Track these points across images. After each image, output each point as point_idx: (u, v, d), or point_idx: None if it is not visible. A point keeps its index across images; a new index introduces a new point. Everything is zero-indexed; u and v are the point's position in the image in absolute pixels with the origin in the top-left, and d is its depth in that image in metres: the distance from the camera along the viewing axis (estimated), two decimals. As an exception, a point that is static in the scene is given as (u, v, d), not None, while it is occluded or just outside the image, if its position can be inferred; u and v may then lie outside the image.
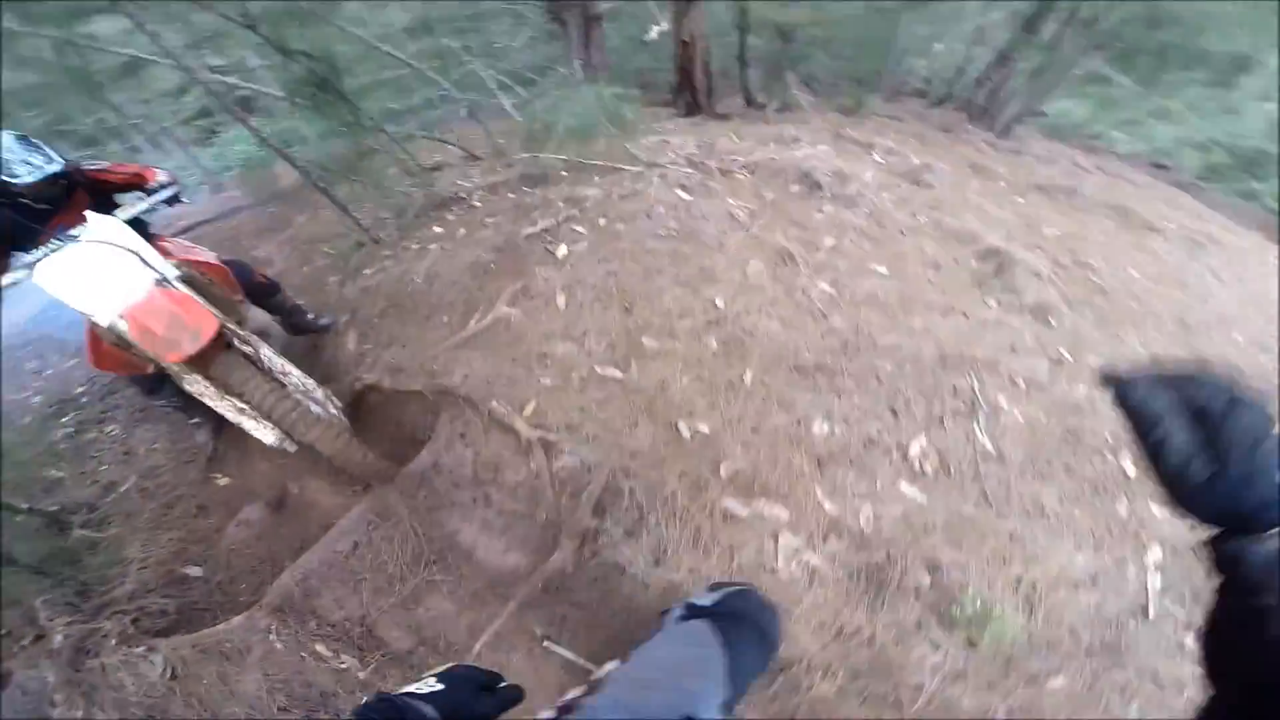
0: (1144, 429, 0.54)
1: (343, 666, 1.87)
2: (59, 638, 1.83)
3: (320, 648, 1.91)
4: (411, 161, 3.94)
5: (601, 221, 3.04)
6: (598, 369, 2.46)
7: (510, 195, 3.61)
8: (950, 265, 2.95)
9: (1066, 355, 2.55)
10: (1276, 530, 0.49)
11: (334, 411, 2.28)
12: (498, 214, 3.42)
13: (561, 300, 2.65)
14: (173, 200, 2.25)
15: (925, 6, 5.01)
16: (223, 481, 2.66)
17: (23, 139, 2.08)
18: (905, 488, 2.08)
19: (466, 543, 2.13)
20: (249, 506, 2.41)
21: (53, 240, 1.91)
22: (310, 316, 3.16)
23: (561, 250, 2.90)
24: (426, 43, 4.51)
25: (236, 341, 2.09)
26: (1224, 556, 0.53)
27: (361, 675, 1.86)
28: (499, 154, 3.93)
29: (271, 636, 1.91)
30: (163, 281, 1.95)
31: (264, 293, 2.90)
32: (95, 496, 2.64)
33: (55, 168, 2.09)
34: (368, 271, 3.50)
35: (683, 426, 2.29)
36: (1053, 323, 2.72)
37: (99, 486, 2.69)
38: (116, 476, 2.71)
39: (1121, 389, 0.55)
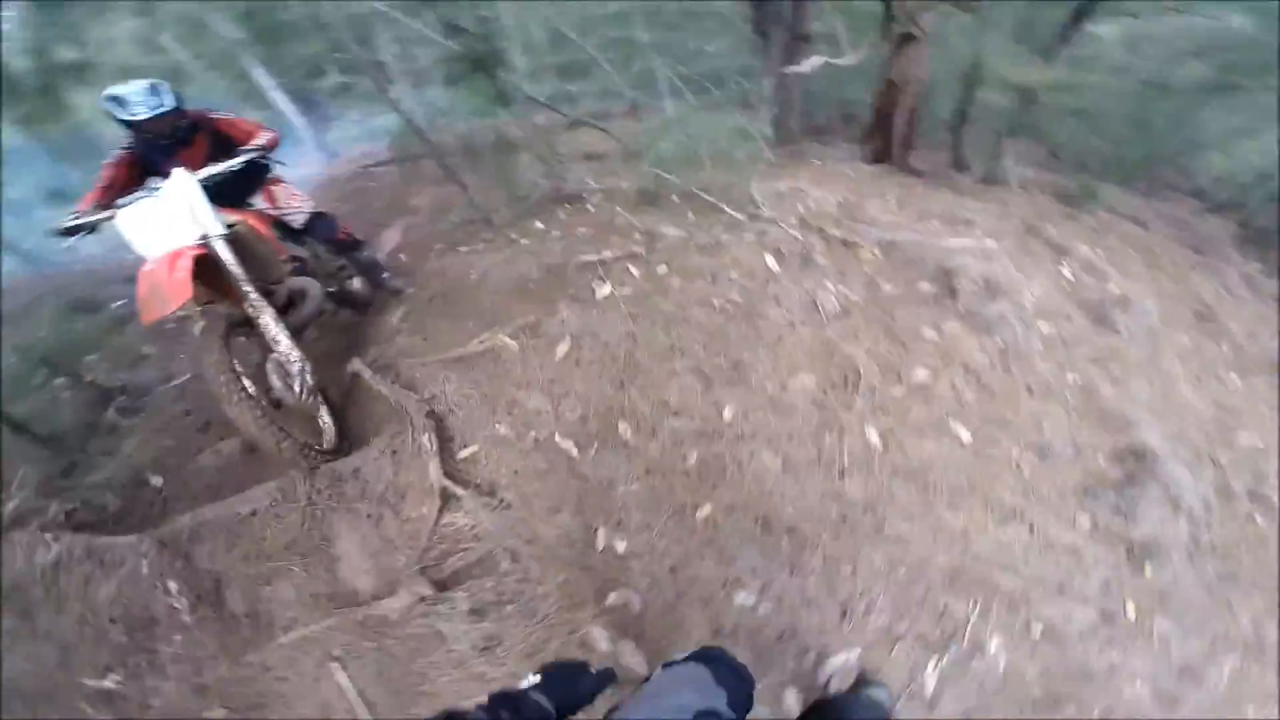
0: None
1: (177, 607, 1.95)
2: (11, 504, 2.05)
3: (172, 584, 1.99)
4: (549, 151, 3.90)
5: (661, 270, 2.73)
6: (556, 438, 2.24)
7: (616, 208, 3.40)
8: (1063, 456, 2.22)
9: (1129, 613, 1.89)
10: None
11: (296, 388, 2.28)
12: (585, 227, 3.23)
13: (562, 349, 2.44)
14: (258, 162, 2.44)
15: (1239, 94, 3.73)
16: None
17: (151, 85, 2.35)
18: (791, 698, 1.57)
19: (339, 550, 2.09)
20: (230, 440, 2.55)
21: (142, 188, 2.18)
22: (385, 275, 3.34)
23: (602, 290, 2.66)
24: (617, 30, 4.38)
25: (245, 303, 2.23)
26: None
27: (186, 619, 1.94)
28: (630, 159, 3.71)
29: (144, 561, 2.02)
30: (205, 239, 2.13)
31: (345, 246, 3.12)
32: (150, 383, 2.99)
33: (165, 108, 2.33)
34: (463, 249, 3.54)
35: (601, 535, 2.04)
36: (1148, 572, 1.98)
37: (161, 374, 3.06)
38: (178, 370, 3.04)
39: None
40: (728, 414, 2.27)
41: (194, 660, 1.86)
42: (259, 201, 2.79)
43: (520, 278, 2.84)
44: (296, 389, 2.28)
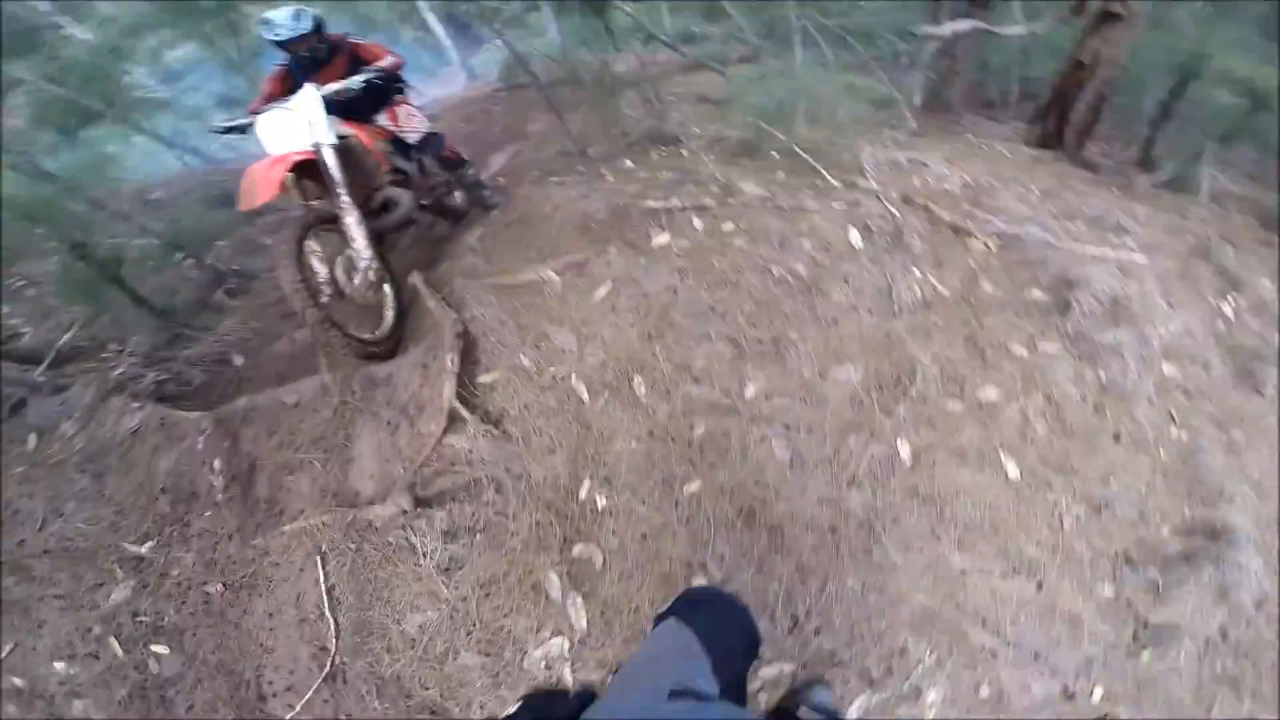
0: None
1: (215, 485, 2.22)
2: (119, 370, 2.41)
3: (217, 462, 2.26)
4: (654, 90, 3.78)
5: (727, 226, 2.58)
6: (572, 379, 2.24)
7: (706, 156, 3.23)
8: (1121, 516, 1.96)
9: (1094, 697, 1.69)
10: None
11: (356, 282, 2.51)
12: (669, 171, 3.11)
13: (601, 292, 2.40)
14: (385, 84, 2.81)
15: None
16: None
17: (296, 10, 2.71)
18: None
19: (356, 451, 2.24)
20: (304, 330, 2.79)
21: (280, 99, 2.56)
22: (486, 193, 3.65)
23: (659, 239, 2.58)
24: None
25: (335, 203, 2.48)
26: None
27: (218, 498, 2.21)
28: (730, 107, 3.52)
29: (201, 438, 2.30)
30: (316, 145, 2.44)
31: (450, 164, 3.44)
32: (259, 271, 3.34)
33: (303, 30, 2.70)
34: (553, 180, 3.56)
35: (586, 486, 2.06)
36: (1145, 658, 1.75)
37: (270, 263, 3.41)
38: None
39: None
40: (750, 391, 2.13)
41: (214, 536, 2.11)
42: (383, 118, 3.07)
43: (586, 215, 2.79)
44: (357, 283, 2.50)
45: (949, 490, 1.92)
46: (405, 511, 1.99)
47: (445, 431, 2.16)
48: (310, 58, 2.80)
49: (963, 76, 4.35)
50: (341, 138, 2.57)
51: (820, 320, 2.32)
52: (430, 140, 3.24)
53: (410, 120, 3.15)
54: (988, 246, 2.68)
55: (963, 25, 3.28)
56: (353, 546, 2.01)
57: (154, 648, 2.00)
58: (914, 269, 2.52)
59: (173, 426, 2.35)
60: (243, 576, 2.05)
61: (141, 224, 3.50)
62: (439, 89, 7.58)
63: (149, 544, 2.16)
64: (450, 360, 2.25)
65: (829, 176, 2.92)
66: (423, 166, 3.28)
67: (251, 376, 2.78)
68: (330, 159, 2.46)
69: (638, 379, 2.20)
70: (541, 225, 2.93)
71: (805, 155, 3.03)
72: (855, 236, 2.59)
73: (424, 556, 1.93)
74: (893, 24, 4.50)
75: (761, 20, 4.06)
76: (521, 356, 2.31)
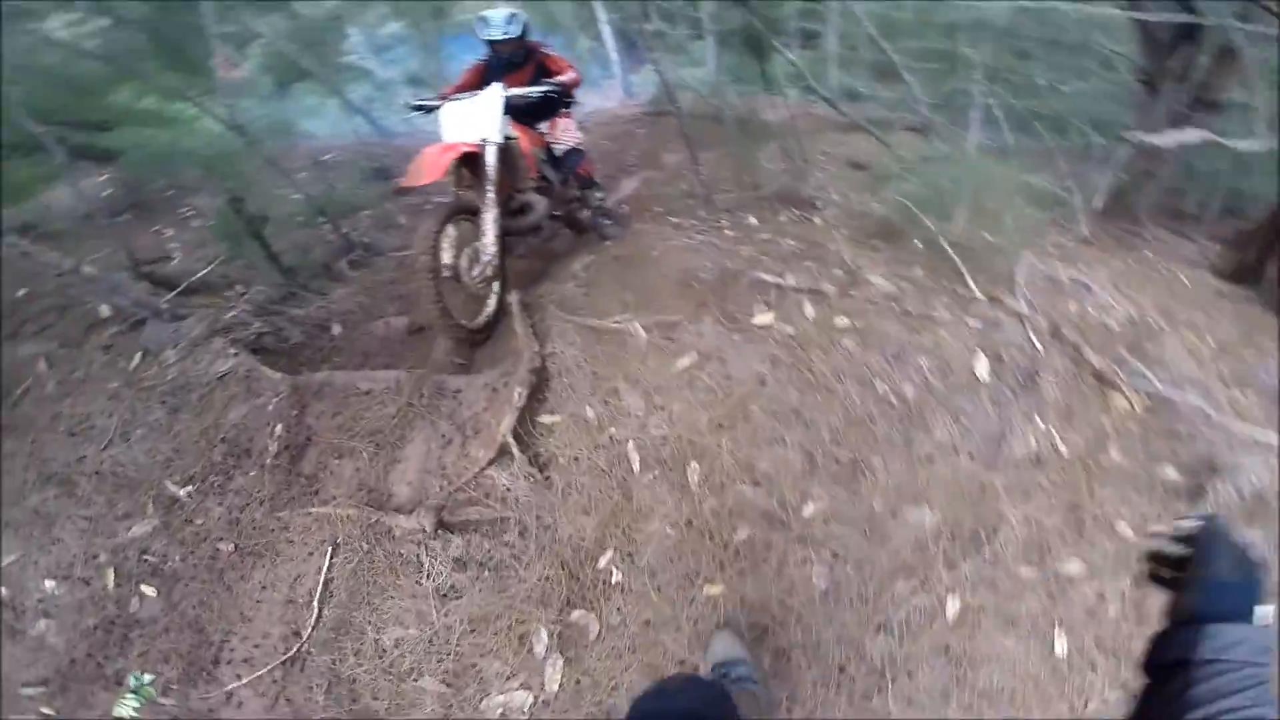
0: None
1: (269, 449, 2.32)
2: (232, 313, 2.61)
3: (279, 427, 2.36)
4: (797, 146, 3.61)
5: (841, 321, 2.42)
6: (629, 446, 2.18)
7: (839, 231, 3.05)
8: None
9: None
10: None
11: (474, 273, 2.61)
12: (794, 240, 2.95)
13: (683, 362, 2.33)
14: (556, 96, 2.99)
15: None
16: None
17: (510, 14, 3.04)
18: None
19: (404, 454, 2.28)
20: (401, 318, 2.91)
21: (471, 92, 2.85)
22: (607, 222, 3.69)
23: (760, 318, 2.45)
24: (939, 41, 3.82)
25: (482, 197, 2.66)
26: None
27: (266, 461, 2.30)
28: (881, 181, 3.28)
29: (274, 400, 2.44)
30: (484, 140, 2.65)
31: (582, 182, 3.58)
32: (386, 248, 3.54)
33: (512, 33, 3.02)
34: (672, 220, 3.51)
35: (606, 556, 1.99)
36: None
37: (399, 243, 3.61)
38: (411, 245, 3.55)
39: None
40: (809, 509, 1.96)
41: (248, 497, 2.21)
42: (544, 125, 3.33)
43: (691, 271, 2.71)
44: (475, 273, 2.62)
45: (982, 655, 1.75)
46: (424, 530, 2.00)
47: (491, 462, 2.15)
48: (508, 59, 3.10)
49: (1159, 181, 3.79)
50: (507, 138, 2.80)
51: (913, 455, 2.09)
52: (571, 155, 3.40)
53: (565, 134, 3.36)
54: (1132, 406, 2.32)
55: (1190, 137, 2.84)
56: (365, 547, 2.05)
57: (144, 588, 2.11)
58: (1038, 419, 2.23)
59: (255, 381, 2.50)
60: (256, 544, 2.14)
61: (302, 183, 3.82)
62: (598, 100, 7.82)
63: (189, 488, 2.28)
64: (518, 394, 2.25)
65: (972, 284, 2.65)
66: (566, 178, 3.47)
67: (342, 348, 2.92)
68: (491, 156, 2.65)
69: (694, 465, 2.09)
70: (646, 269, 2.87)
71: (952, 253, 2.74)
72: (983, 366, 2.32)
73: (427, 576, 1.96)
74: (1092, 114, 4.03)
75: (940, 90, 3.76)
76: (588, 407, 2.26)
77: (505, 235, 2.85)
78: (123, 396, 2.54)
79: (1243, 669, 0.60)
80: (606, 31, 8.09)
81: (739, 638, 1.76)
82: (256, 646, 1.97)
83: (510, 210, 2.99)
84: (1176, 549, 0.74)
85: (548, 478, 2.14)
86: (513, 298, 2.75)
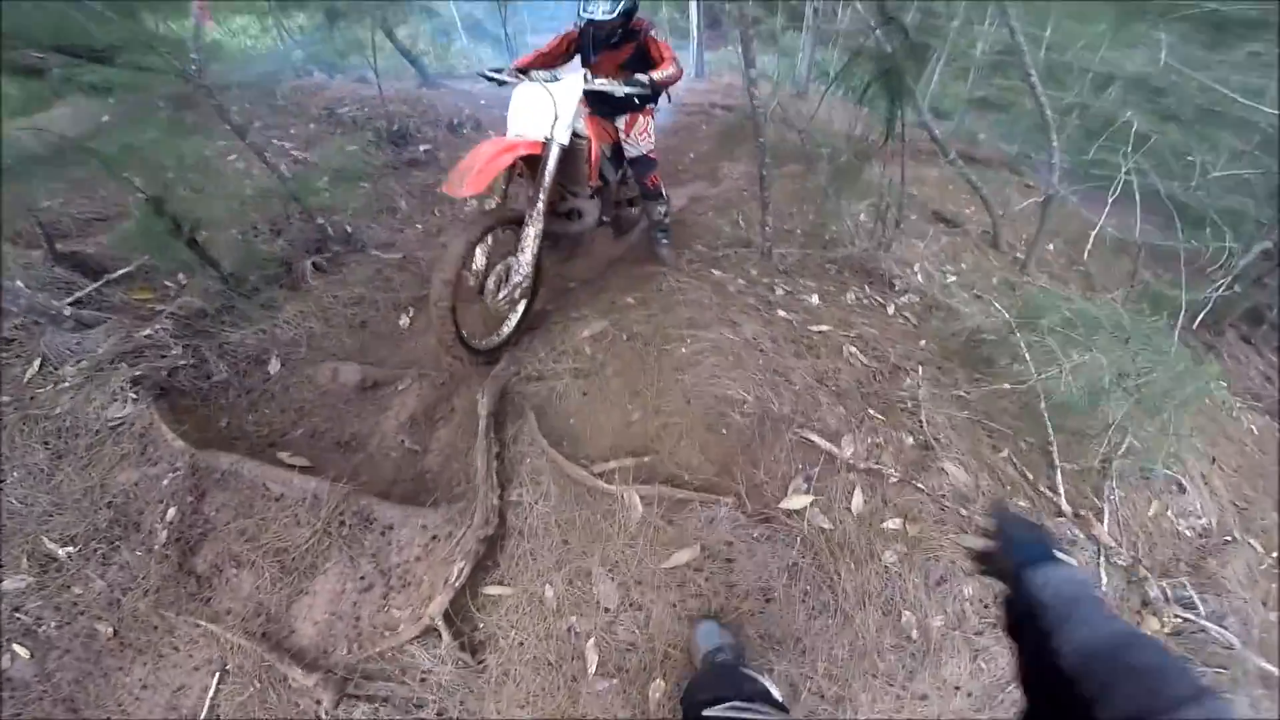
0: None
1: (155, 527, 2.00)
2: (148, 330, 2.12)
3: (171, 512, 2.03)
4: (889, 199, 2.98)
5: (893, 525, 2.03)
6: (588, 644, 1.79)
7: (926, 343, 2.58)
8: None
9: None
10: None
11: (500, 293, 2.40)
12: (859, 350, 2.46)
13: (681, 557, 1.95)
14: (639, 97, 2.65)
15: None
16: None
17: None
18: None
19: (313, 586, 1.92)
20: (343, 366, 2.58)
21: (549, 71, 2.59)
22: (664, 241, 3.35)
23: (794, 500, 2.04)
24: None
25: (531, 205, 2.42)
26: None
27: (154, 547, 1.98)
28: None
29: (169, 475, 2.07)
30: (548, 140, 2.38)
31: (645, 193, 3.21)
32: (369, 243, 3.10)
33: (613, 16, 2.61)
34: (715, 272, 2.95)
35: None
36: None
37: (383, 240, 3.12)
38: (403, 249, 3.19)
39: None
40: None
41: (132, 580, 1.96)
42: (621, 121, 3.02)
43: (724, 399, 2.25)
44: (502, 295, 2.41)
45: None
46: (320, 703, 1.69)
47: (413, 639, 1.76)
48: (605, 36, 2.77)
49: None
50: (576, 136, 2.58)
51: (909, 692, 1.67)
52: (642, 162, 3.11)
53: (640, 137, 3.06)
54: (1160, 626, 1.96)
55: None
56: (258, 685, 1.76)
57: (16, 646, 1.88)
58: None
59: (151, 443, 2.14)
60: (137, 638, 1.88)
61: (297, 138, 3.23)
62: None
63: (68, 549, 2.00)
64: (458, 570, 1.85)
65: (1062, 494, 2.08)
66: (625, 178, 3.27)
67: (275, 396, 2.50)
68: (553, 161, 2.41)
69: (659, 682, 1.71)
70: (669, 372, 2.33)
71: (1051, 437, 2.17)
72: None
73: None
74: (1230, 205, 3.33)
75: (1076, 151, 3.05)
76: (548, 586, 1.87)
77: (553, 239, 2.77)
78: (4, 420, 2.18)
79: (1081, 596, 0.73)
80: (694, 6, 7.28)
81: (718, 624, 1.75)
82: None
83: (559, 213, 2.83)
84: (987, 542, 0.91)
85: (481, 661, 1.77)
86: (483, 405, 2.25)
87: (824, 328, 2.66)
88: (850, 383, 2.36)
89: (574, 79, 2.48)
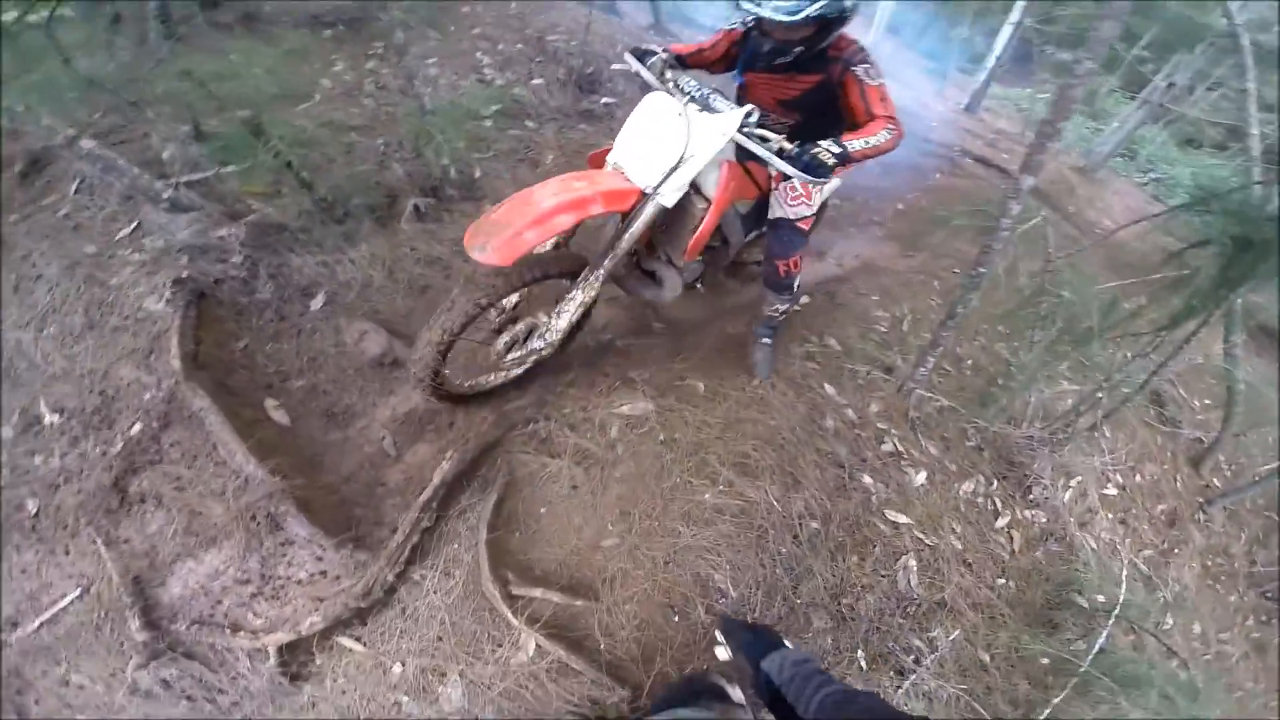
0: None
1: (117, 437, 2.03)
2: (225, 231, 2.18)
3: (134, 429, 2.04)
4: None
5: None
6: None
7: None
8: None
9: None
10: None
11: (508, 355, 2.04)
12: (940, 564, 2.02)
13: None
14: (810, 166, 1.73)
15: None
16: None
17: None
18: None
19: (205, 558, 1.87)
20: (380, 337, 2.38)
21: (701, 84, 1.91)
22: (765, 340, 2.53)
23: None
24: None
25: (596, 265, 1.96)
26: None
27: (110, 450, 2.02)
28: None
29: (149, 395, 2.08)
30: (648, 195, 1.83)
31: (770, 279, 2.31)
32: (496, 194, 2.97)
33: (795, 18, 1.71)
34: (873, 372, 2.59)
35: None
36: None
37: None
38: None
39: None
40: None
41: (82, 470, 2.00)
42: (776, 174, 2.16)
43: (694, 593, 1.85)
44: (512, 355, 2.03)
45: None
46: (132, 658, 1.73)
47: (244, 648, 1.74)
48: (781, 48, 1.86)
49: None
50: (695, 194, 1.97)
51: None
52: (785, 231, 2.19)
53: (795, 198, 2.15)
54: None
55: None
56: (100, 616, 1.78)
57: None
58: None
59: (158, 351, 2.16)
60: (48, 527, 1.91)
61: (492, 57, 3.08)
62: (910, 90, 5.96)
63: (54, 418, 2.08)
64: (311, 623, 1.73)
65: None
66: (746, 245, 2.51)
67: (297, 335, 2.39)
68: (642, 224, 1.87)
69: None
70: (679, 499, 2.02)
71: None
72: None
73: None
74: None
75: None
76: (399, 664, 1.74)
77: (622, 286, 2.23)
78: (77, 272, 2.33)
79: (803, 673, 0.88)
80: (1005, 33, 6.05)
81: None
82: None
83: (633, 265, 2.24)
84: (728, 653, 1.06)
85: (298, 687, 1.71)
86: (441, 470, 1.99)
87: (901, 519, 2.16)
88: (869, 609, 1.91)
89: (728, 118, 1.77)
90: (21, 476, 1.99)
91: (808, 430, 2.28)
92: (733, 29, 2.08)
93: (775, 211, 2.21)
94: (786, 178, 1.88)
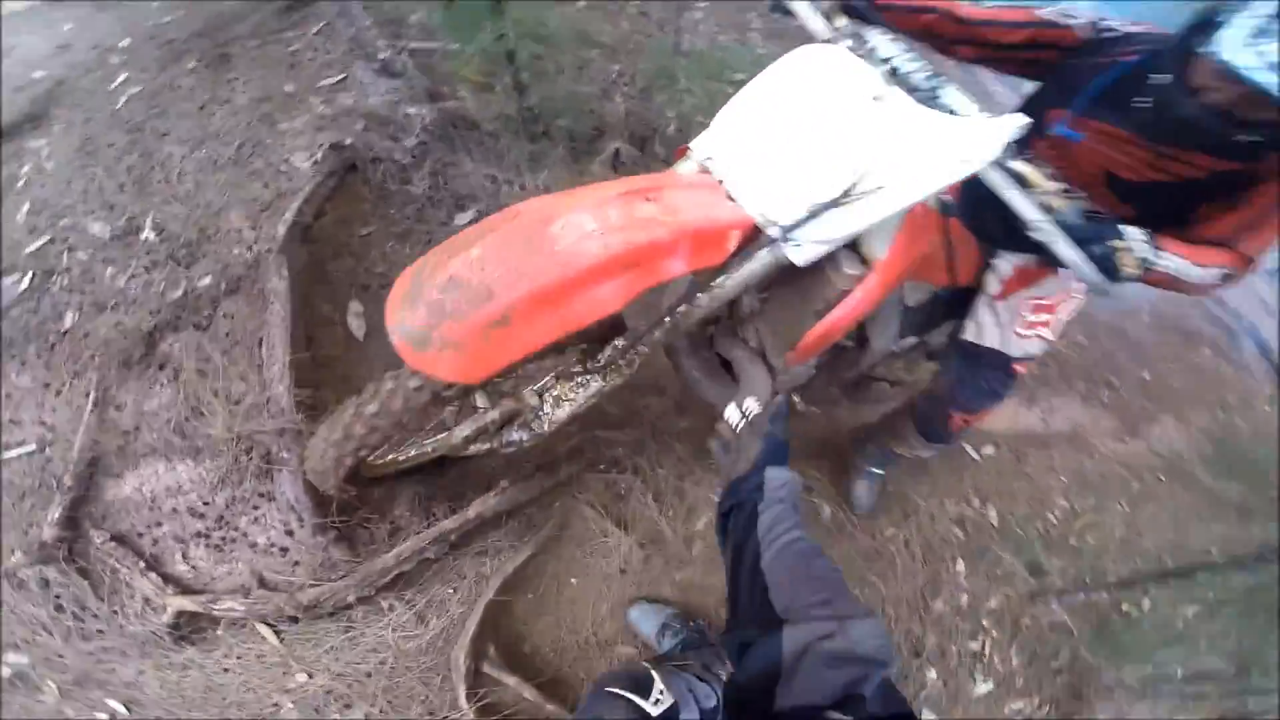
0: None
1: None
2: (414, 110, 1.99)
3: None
4: None
5: None
6: None
7: None
8: None
9: None
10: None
11: (500, 437, 1.35)
12: None
13: None
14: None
15: None
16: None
17: None
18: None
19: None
20: None
21: (910, 56, 1.02)
22: (876, 471, 1.98)
23: None
24: None
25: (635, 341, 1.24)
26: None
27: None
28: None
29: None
30: (775, 228, 1.01)
31: (928, 426, 1.65)
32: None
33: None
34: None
35: None
36: None
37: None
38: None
39: None
40: None
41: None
42: (1002, 266, 1.42)
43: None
44: (505, 437, 1.35)
45: None
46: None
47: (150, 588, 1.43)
48: (1230, 128, 1.05)
49: None
50: (847, 254, 1.10)
51: None
52: (988, 365, 1.44)
53: (1035, 328, 1.40)
54: None
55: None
56: (41, 474, 1.55)
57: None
58: None
59: (272, 215, 1.84)
60: (57, 355, 1.66)
61: None
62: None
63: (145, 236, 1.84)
64: (228, 607, 1.41)
65: None
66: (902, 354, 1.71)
67: (418, 244, 1.96)
68: (744, 277, 1.05)
69: None
70: None
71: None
72: None
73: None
74: None
75: None
76: (303, 674, 1.46)
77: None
78: (261, 107, 2.12)
79: (787, 508, 0.86)
80: None
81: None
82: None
83: (699, 332, 1.37)
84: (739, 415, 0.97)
85: (181, 642, 1.42)
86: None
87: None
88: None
89: (984, 128, 0.92)
90: (84, 283, 1.76)
91: (913, 607, 1.92)
92: (1074, 25, 1.20)
93: (982, 334, 1.40)
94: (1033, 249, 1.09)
